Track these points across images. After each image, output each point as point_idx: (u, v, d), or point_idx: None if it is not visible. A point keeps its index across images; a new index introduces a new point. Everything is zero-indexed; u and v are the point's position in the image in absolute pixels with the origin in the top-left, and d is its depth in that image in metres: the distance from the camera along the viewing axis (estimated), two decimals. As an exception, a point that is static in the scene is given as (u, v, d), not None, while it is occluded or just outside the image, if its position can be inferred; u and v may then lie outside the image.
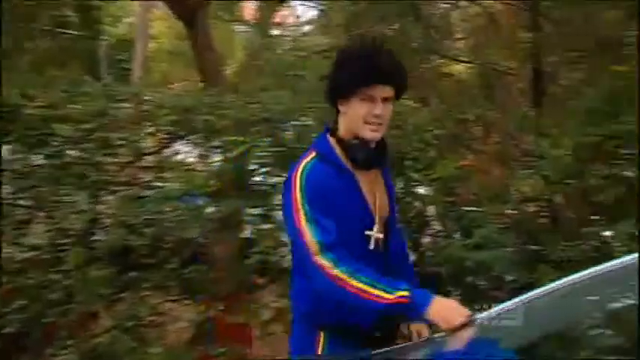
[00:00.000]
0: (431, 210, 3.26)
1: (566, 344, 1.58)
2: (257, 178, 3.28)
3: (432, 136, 3.19)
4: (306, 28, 8.40)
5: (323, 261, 1.64)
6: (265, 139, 3.08)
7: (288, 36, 7.55)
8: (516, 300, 1.75)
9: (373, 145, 1.85)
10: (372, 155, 1.86)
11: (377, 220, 1.80)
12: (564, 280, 1.66)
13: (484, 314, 1.70)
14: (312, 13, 8.54)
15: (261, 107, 3.19)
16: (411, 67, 4.17)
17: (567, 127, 2.91)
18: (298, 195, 1.74)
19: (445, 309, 1.59)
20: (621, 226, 2.66)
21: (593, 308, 1.68)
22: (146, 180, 3.37)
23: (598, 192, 2.82)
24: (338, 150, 1.84)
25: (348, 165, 1.80)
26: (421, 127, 3.19)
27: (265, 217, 3.11)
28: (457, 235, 3.15)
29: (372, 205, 1.80)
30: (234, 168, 3.03)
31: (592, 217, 2.95)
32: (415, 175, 3.14)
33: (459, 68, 5.10)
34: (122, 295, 2.87)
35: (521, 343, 1.57)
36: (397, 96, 1.89)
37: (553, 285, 1.67)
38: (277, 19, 8.82)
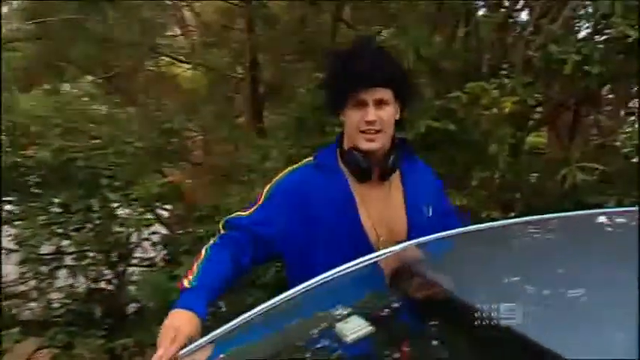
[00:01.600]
0: (135, 235, 3.09)
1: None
2: None
3: (133, 149, 3.02)
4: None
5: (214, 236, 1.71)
6: None
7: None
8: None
9: (380, 154, 1.84)
10: (367, 166, 1.82)
11: (373, 237, 1.77)
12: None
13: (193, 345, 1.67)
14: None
15: None
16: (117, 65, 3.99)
17: (278, 137, 2.96)
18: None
19: (164, 329, 1.47)
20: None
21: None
22: None
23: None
24: (340, 162, 1.84)
25: (349, 176, 1.81)
26: (119, 138, 2.99)
27: None
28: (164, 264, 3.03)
29: (369, 221, 1.78)
30: None
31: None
32: (112, 196, 2.94)
33: (184, 72, 5.01)
34: None
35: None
36: (400, 97, 1.86)
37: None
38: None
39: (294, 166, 1.84)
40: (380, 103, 1.84)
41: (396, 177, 1.95)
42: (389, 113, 1.86)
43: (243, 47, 3.82)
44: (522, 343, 1.08)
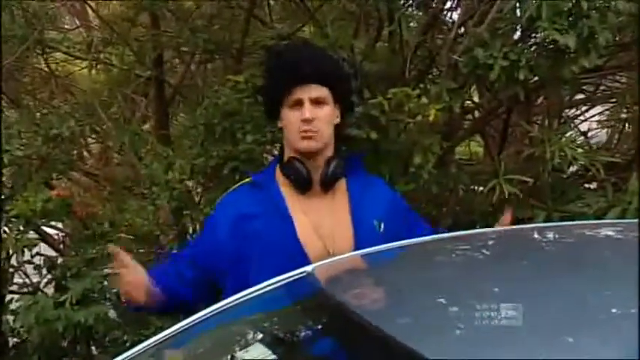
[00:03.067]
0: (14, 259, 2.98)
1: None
2: None
3: (8, 159, 2.91)
4: None
5: None
6: None
7: None
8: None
9: (321, 161, 1.95)
10: (305, 173, 1.92)
11: (313, 250, 1.83)
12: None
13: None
14: None
15: None
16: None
17: (184, 146, 2.93)
18: None
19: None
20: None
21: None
22: None
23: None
24: (278, 176, 1.97)
25: (287, 189, 1.93)
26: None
27: None
28: (50, 291, 2.92)
29: (309, 233, 1.86)
30: None
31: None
32: (-14, 212, 2.82)
33: (79, 70, 4.89)
34: None
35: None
36: (339, 100, 1.99)
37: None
38: None
39: (233, 187, 2.00)
40: (317, 102, 1.93)
41: (341, 187, 2.02)
42: (326, 112, 1.95)
43: (147, 44, 3.77)
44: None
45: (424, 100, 2.50)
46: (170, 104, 3.75)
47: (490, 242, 2.02)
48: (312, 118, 1.92)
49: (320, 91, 1.95)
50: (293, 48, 2.25)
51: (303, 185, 1.94)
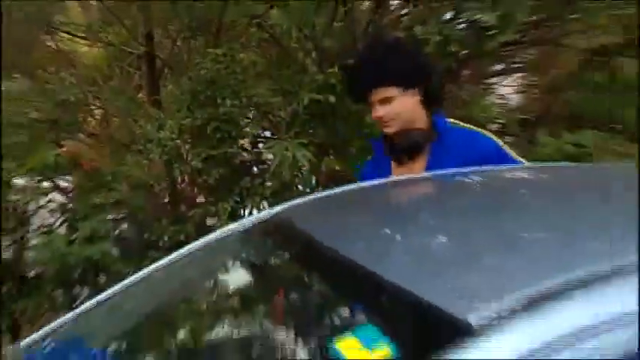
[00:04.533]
0: (32, 204, 2.92)
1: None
2: None
3: (28, 120, 2.84)
4: None
5: None
6: None
7: None
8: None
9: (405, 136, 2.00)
10: (388, 148, 2.02)
11: None
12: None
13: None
14: None
15: None
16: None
17: (173, 109, 2.88)
18: None
19: None
20: (224, 204, 2.78)
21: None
22: None
23: (205, 173, 2.91)
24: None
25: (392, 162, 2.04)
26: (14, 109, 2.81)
27: None
28: (62, 230, 2.88)
29: None
30: None
31: (199, 199, 3.03)
32: (8, 165, 2.75)
33: (81, 47, 4.73)
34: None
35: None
36: (412, 85, 1.97)
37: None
38: None
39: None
40: (385, 101, 1.98)
41: (424, 153, 2.04)
42: (394, 106, 1.99)
43: (139, 25, 3.65)
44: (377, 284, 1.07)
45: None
46: (160, 76, 3.65)
47: (436, 186, 2.01)
48: (382, 115, 1.99)
49: (385, 92, 1.98)
50: (366, 55, 2.26)
51: (395, 159, 2.03)
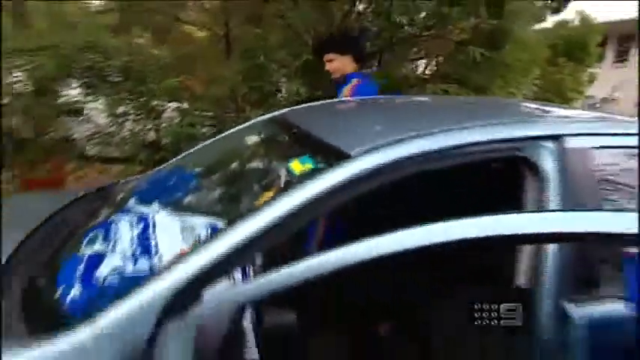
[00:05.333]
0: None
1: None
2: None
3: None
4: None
5: None
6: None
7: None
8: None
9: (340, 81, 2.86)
10: (335, 85, 2.86)
11: None
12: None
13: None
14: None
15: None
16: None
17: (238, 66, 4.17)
18: None
19: None
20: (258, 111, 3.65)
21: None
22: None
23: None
24: None
25: None
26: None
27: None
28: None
29: None
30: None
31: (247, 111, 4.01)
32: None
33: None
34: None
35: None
36: (343, 52, 2.83)
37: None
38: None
39: None
40: (329, 61, 2.89)
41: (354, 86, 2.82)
42: (334, 64, 2.88)
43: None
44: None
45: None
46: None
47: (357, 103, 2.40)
48: (328, 69, 2.90)
49: (329, 56, 2.89)
50: (326, 37, 3.22)
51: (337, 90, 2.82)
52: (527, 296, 1.39)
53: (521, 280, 1.44)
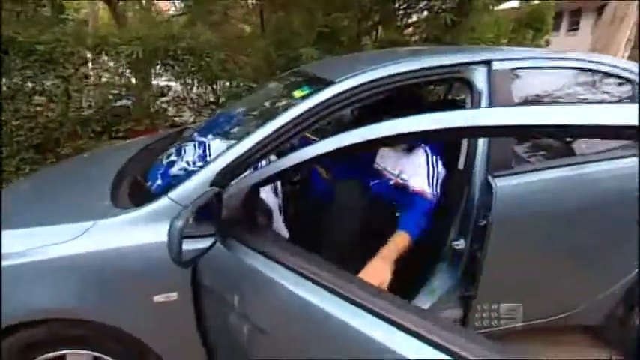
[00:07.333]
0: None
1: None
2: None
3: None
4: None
5: None
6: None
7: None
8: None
9: None
10: None
11: None
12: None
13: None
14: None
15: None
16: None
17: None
18: None
19: None
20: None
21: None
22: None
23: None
24: None
25: None
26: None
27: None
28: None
29: None
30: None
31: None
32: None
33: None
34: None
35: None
36: None
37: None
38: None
39: None
40: None
41: None
42: None
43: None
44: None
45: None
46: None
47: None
48: None
49: None
50: None
51: None
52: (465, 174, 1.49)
53: (461, 164, 1.55)
